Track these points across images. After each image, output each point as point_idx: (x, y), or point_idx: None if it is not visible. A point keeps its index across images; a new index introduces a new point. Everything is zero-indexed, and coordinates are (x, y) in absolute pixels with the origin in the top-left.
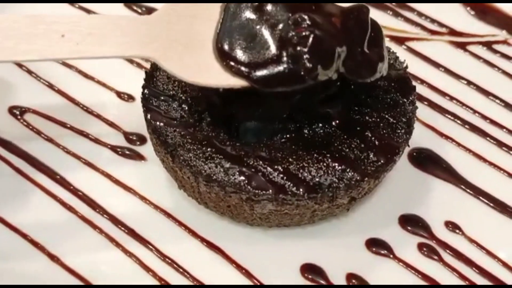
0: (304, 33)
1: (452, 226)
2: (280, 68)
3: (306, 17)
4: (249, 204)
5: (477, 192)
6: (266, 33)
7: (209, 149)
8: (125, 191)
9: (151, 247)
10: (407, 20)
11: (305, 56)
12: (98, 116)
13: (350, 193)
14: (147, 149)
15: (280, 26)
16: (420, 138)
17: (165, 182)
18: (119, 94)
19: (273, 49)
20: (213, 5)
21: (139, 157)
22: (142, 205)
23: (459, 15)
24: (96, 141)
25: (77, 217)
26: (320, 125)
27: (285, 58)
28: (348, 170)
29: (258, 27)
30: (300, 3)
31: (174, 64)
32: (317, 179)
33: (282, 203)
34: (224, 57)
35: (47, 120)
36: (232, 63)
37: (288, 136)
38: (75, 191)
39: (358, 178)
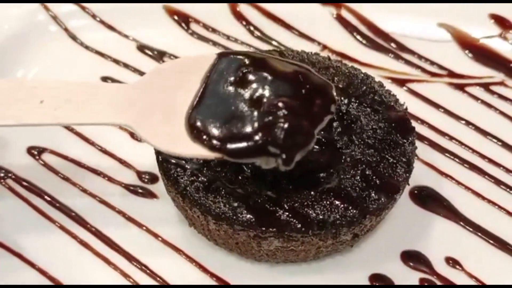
0: (280, 122)
1: (453, 262)
2: (254, 141)
3: (281, 104)
4: (257, 241)
5: (476, 229)
6: (242, 109)
7: (217, 189)
8: (138, 228)
9: (163, 281)
10: (408, 62)
11: (281, 140)
12: (112, 156)
13: (353, 230)
14: (159, 188)
15: (257, 104)
16: (421, 176)
17: (176, 220)
18: (132, 135)
19: (249, 123)
20: (204, 65)
21: (151, 195)
22: (155, 242)
23: (458, 58)
24: (110, 179)
25: (92, 253)
26: (327, 165)
27: (260, 134)
28: (350, 208)
29: (235, 101)
30: (282, 78)
31: (149, 132)
32: (321, 217)
33: (288, 240)
34: (194, 131)
35: (63, 160)
36: (203, 137)
37: (293, 175)
38: (90, 228)
39: (360, 215)
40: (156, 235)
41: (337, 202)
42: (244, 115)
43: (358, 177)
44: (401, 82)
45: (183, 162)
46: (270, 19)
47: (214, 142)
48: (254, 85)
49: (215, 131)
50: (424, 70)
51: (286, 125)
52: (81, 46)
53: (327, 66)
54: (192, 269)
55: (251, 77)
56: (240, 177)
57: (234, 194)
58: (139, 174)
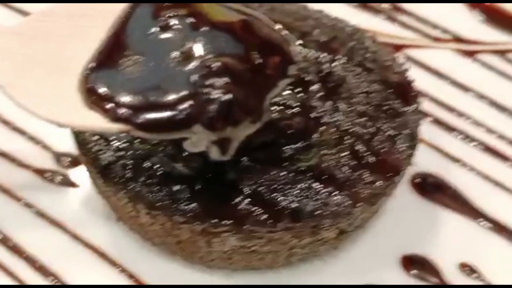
0: (214, 90)
1: (468, 269)
2: (174, 111)
3: (217, 65)
4: (206, 238)
5: (497, 227)
6: (162, 69)
7: (153, 167)
8: (52, 227)
9: None
10: (404, 25)
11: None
12: (19, 130)
13: (338, 223)
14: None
15: (184, 64)
16: (425, 161)
17: (102, 214)
18: None
19: (169, 89)
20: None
21: (71, 183)
22: (72, 244)
23: (465, 20)
24: (16, 162)
25: None
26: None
27: (184, 104)
28: (336, 193)
29: (153, 57)
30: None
31: (26, 93)
32: (295, 204)
33: (249, 237)
34: (92, 95)
35: None
36: (104, 104)
37: (258, 150)
38: None
39: (349, 203)
40: (73, 235)
41: (317, 186)
42: (164, 77)
43: (346, 153)
44: (397, 48)
45: None
46: None
47: (118, 110)
48: (182, 38)
49: (120, 97)
50: (424, 34)
51: (223, 96)
52: None
53: (304, 17)
54: (121, 279)
55: (178, 26)
56: (186, 152)
57: (175, 173)
58: (57, 155)
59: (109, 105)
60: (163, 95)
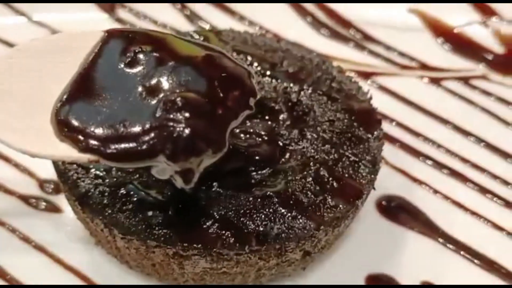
0: (178, 124)
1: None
2: (139, 142)
3: (181, 99)
4: (178, 261)
5: (459, 247)
6: (129, 102)
7: (128, 194)
8: (34, 249)
9: None
10: (373, 53)
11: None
12: (5, 158)
13: (302, 245)
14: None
15: (151, 97)
16: (390, 184)
17: (82, 238)
18: None
19: (136, 121)
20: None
21: (54, 209)
22: (54, 266)
23: (431, 48)
24: (2, 188)
25: None
26: (268, 163)
27: (148, 135)
28: (299, 217)
29: (121, 91)
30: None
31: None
32: (261, 229)
33: (218, 259)
34: (64, 128)
35: None
36: (74, 135)
37: (228, 176)
38: None
39: (312, 226)
40: (57, 259)
41: (282, 210)
42: (130, 110)
43: (310, 179)
44: (365, 76)
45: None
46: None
47: (88, 141)
48: (148, 72)
49: (90, 128)
50: (392, 62)
51: (185, 129)
52: None
53: (274, 49)
54: None
55: (145, 61)
56: (159, 180)
57: (149, 200)
58: (41, 182)
59: (79, 136)
60: (129, 127)
